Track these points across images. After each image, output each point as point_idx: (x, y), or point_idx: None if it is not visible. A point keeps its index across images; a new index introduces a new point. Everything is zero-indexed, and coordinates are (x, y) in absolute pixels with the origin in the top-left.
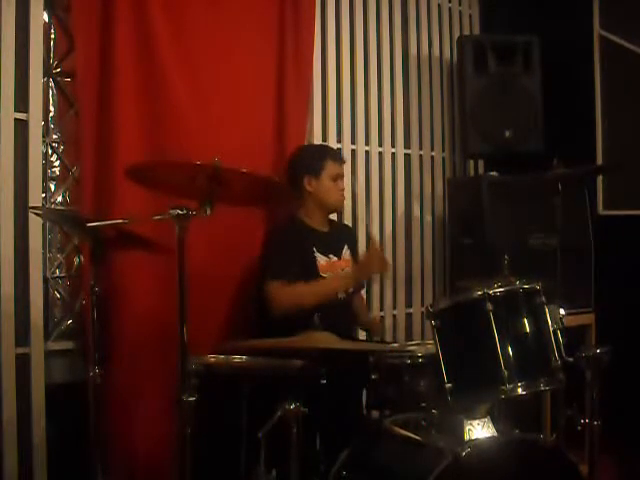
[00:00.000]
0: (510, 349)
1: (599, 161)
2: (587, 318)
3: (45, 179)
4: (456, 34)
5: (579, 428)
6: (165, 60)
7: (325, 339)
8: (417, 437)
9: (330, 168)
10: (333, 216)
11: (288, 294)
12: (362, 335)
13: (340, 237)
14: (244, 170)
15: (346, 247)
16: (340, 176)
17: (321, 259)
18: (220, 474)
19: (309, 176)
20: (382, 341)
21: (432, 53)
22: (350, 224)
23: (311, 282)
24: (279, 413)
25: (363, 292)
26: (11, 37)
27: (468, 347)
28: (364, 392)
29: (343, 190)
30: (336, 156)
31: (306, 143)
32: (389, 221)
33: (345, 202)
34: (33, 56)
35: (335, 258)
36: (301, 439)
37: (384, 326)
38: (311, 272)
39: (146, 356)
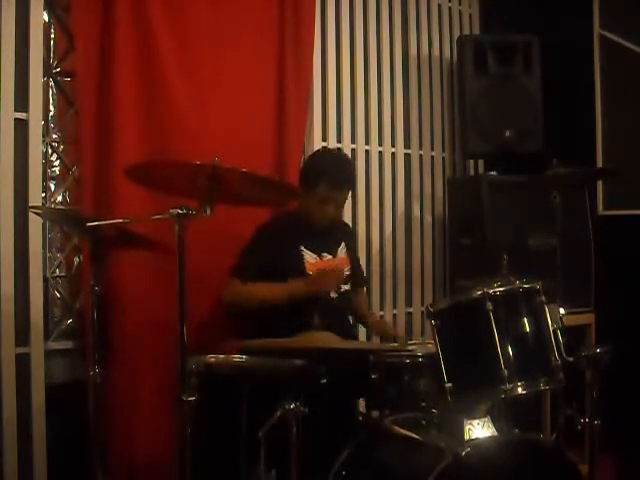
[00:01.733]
0: (510, 349)
1: (599, 161)
2: (587, 318)
3: (45, 179)
4: (456, 34)
5: (579, 428)
6: (165, 60)
7: (325, 339)
8: (417, 437)
9: (321, 191)
10: None
11: (236, 293)
12: (361, 335)
13: (337, 235)
14: (244, 170)
15: (343, 245)
16: (332, 201)
17: (309, 257)
18: (220, 474)
19: (303, 185)
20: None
21: (432, 53)
22: (350, 223)
23: (264, 283)
24: (279, 413)
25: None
26: (11, 37)
27: (468, 347)
28: (364, 392)
29: (328, 215)
30: (333, 182)
31: (305, 143)
32: (389, 221)
33: (346, 203)
34: (33, 56)
35: (329, 256)
36: (301, 439)
37: (388, 324)
38: (296, 270)
39: (146, 356)
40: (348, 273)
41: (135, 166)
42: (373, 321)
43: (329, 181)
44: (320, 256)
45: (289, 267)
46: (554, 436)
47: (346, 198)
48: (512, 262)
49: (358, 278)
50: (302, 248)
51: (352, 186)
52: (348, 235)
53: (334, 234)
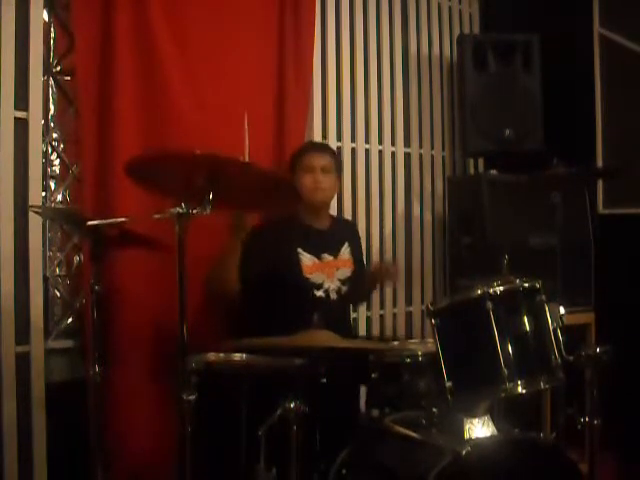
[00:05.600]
0: (510, 347)
1: (599, 160)
2: (587, 317)
3: (45, 178)
4: (456, 33)
5: (579, 427)
6: (165, 59)
7: (325, 338)
8: (417, 436)
9: (302, 160)
10: (334, 211)
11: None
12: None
13: (340, 235)
14: (244, 160)
15: (346, 245)
16: (315, 167)
17: (307, 259)
18: (220, 473)
19: (292, 176)
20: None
21: (432, 52)
22: None
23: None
24: (279, 412)
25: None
26: (11, 36)
27: (468, 346)
28: (364, 391)
29: (319, 183)
30: (309, 147)
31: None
32: (389, 220)
33: (346, 202)
34: (33, 55)
35: (330, 257)
36: (301, 438)
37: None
38: (293, 272)
39: (146, 355)
40: (349, 275)
41: (134, 161)
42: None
43: (307, 149)
44: (319, 257)
45: (285, 270)
46: (554, 435)
47: (330, 166)
48: (512, 261)
49: (361, 279)
50: (299, 250)
51: (332, 153)
52: (353, 234)
53: (336, 233)
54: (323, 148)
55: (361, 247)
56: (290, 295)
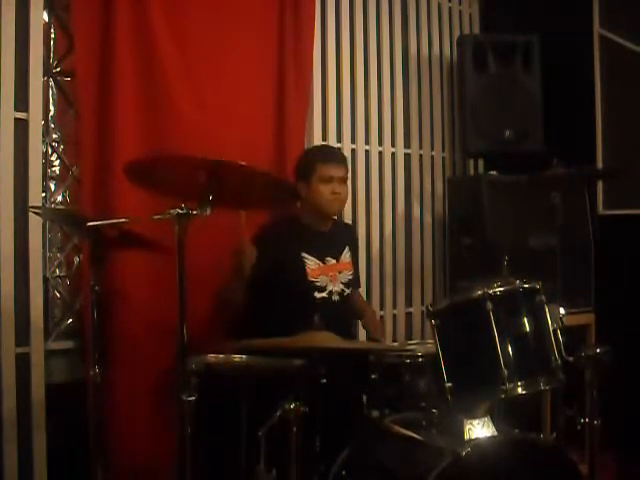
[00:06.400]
0: (510, 348)
1: (599, 161)
2: (587, 318)
3: (45, 178)
4: (456, 33)
5: (579, 427)
6: (165, 60)
7: (325, 339)
8: (417, 437)
9: (320, 170)
10: None
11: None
12: (361, 335)
13: (341, 238)
14: (242, 163)
15: (347, 249)
16: (333, 178)
17: (311, 263)
18: (220, 474)
19: (301, 182)
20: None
21: (432, 53)
22: (350, 223)
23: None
24: (279, 413)
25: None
26: (11, 37)
27: (468, 346)
28: (364, 391)
29: (338, 194)
30: (328, 157)
31: (305, 143)
32: (389, 221)
33: (346, 203)
34: (33, 56)
35: (333, 261)
36: (301, 439)
37: (384, 328)
38: (298, 276)
39: (146, 356)
40: (351, 277)
41: (133, 163)
42: (366, 320)
43: (323, 158)
44: (323, 261)
45: (290, 275)
46: (554, 435)
47: (346, 176)
48: (512, 262)
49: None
50: (303, 254)
51: (346, 162)
52: (352, 238)
53: (338, 237)
54: (342, 159)
55: (358, 253)
56: (293, 298)
